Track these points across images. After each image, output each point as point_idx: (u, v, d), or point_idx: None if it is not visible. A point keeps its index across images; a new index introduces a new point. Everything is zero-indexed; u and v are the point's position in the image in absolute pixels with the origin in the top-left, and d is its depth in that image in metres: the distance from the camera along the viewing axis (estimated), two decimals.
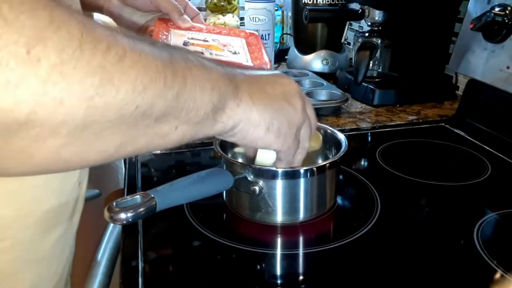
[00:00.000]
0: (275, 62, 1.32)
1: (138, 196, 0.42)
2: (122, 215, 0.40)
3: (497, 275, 0.48)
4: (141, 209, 0.41)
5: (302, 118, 0.47)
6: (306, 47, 1.27)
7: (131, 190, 0.66)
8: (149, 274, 0.48)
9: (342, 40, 1.21)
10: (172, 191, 0.44)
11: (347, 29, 1.24)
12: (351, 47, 1.36)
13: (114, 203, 0.41)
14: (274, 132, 0.43)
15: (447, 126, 0.88)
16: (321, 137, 0.63)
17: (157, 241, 0.54)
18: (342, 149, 0.57)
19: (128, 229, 0.55)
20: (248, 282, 0.48)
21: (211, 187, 0.48)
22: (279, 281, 0.49)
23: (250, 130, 0.42)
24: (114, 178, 0.92)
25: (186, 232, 0.55)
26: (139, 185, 0.67)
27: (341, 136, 0.60)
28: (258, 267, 0.50)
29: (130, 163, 0.74)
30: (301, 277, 0.50)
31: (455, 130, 0.86)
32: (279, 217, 0.55)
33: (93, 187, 0.94)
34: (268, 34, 1.18)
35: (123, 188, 0.69)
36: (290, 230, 0.56)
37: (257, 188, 0.53)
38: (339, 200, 0.62)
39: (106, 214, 0.40)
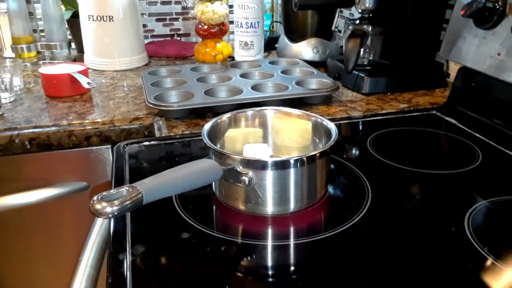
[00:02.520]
0: (265, 51, 1.30)
1: (124, 189, 0.41)
2: (108, 209, 0.39)
3: (488, 263, 0.48)
4: (127, 202, 0.40)
5: None
6: (296, 35, 1.26)
7: (119, 182, 0.65)
8: (137, 268, 0.47)
9: (333, 28, 1.20)
10: (159, 184, 0.43)
11: (338, 17, 1.22)
12: (341, 34, 1.34)
13: (99, 196, 0.39)
14: None
15: (438, 114, 0.88)
16: (310, 133, 0.62)
17: (146, 233, 0.53)
18: (332, 139, 0.56)
19: (115, 222, 0.54)
20: (239, 274, 0.48)
21: (199, 178, 0.47)
22: (270, 272, 0.48)
23: None
24: (101, 170, 0.91)
25: (175, 224, 0.54)
26: (127, 177, 0.66)
27: (331, 126, 0.59)
28: (249, 258, 0.49)
29: (118, 154, 0.73)
30: (292, 268, 0.49)
31: (446, 118, 0.86)
32: (269, 208, 0.55)
33: (80, 179, 0.93)
34: (258, 22, 1.16)
35: (111, 180, 0.67)
36: (280, 221, 0.55)
37: (246, 179, 0.52)
38: (330, 189, 0.61)
39: (91, 207, 0.39)
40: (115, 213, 0.39)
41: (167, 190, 0.44)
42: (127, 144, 0.76)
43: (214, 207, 0.58)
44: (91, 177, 0.92)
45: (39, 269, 0.97)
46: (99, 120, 0.88)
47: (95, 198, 0.39)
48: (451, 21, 0.87)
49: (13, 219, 0.92)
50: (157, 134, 0.83)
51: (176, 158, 0.73)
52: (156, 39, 1.50)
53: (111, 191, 0.41)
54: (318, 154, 0.54)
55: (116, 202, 0.40)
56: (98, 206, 0.39)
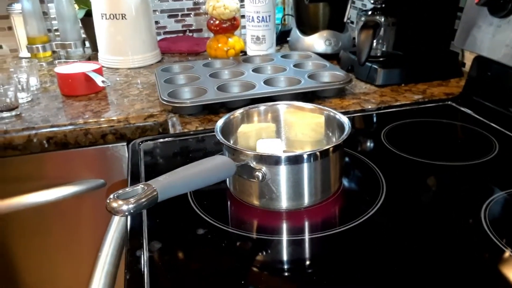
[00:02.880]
0: (277, 44, 1.30)
1: (139, 187, 0.42)
2: (124, 207, 0.40)
3: (506, 255, 0.47)
4: (143, 200, 0.41)
5: None
6: (308, 28, 1.25)
7: (135, 178, 0.66)
8: (155, 264, 0.48)
9: (345, 20, 1.19)
10: (173, 181, 0.44)
11: (350, 8, 1.21)
12: (354, 25, 1.33)
13: (115, 195, 0.40)
14: None
15: (454, 104, 0.87)
16: (323, 127, 0.62)
17: (162, 230, 0.54)
18: (345, 132, 0.56)
19: (132, 219, 0.55)
20: (254, 269, 0.48)
21: (213, 175, 0.48)
22: (285, 267, 0.49)
23: None
24: (118, 167, 0.92)
25: (190, 220, 0.55)
26: (142, 174, 0.67)
27: (344, 119, 0.59)
28: (264, 253, 0.50)
29: (133, 151, 0.74)
30: (307, 263, 0.49)
31: (462, 109, 0.85)
32: (283, 203, 0.55)
33: (97, 176, 0.94)
34: (269, 16, 1.16)
35: (127, 177, 0.68)
36: (295, 216, 0.55)
37: (260, 174, 0.53)
38: (344, 183, 0.61)
39: (108, 205, 0.40)
40: (131, 211, 0.40)
41: (181, 187, 0.44)
42: (142, 142, 0.76)
43: (228, 203, 0.59)
44: (107, 174, 0.94)
45: (58, 266, 0.99)
46: (114, 118, 0.89)
47: (111, 196, 0.40)
48: (465, 10, 0.85)
49: (32, 217, 0.94)
50: (171, 130, 0.84)
51: (190, 154, 0.74)
52: (168, 36, 1.51)
53: (127, 189, 0.41)
54: (331, 149, 0.54)
55: (131, 200, 0.40)
56: (114, 204, 0.39)
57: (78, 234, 0.97)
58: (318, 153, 0.53)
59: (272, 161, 0.53)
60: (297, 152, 0.60)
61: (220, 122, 0.59)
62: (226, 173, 0.50)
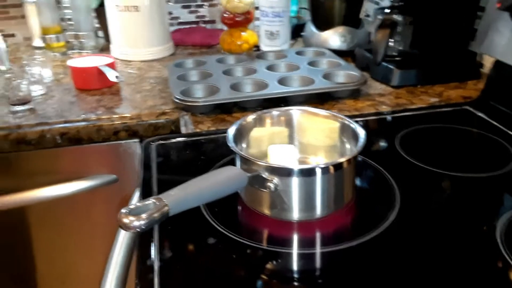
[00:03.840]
0: (291, 39, 1.28)
1: (150, 202, 0.42)
2: (135, 223, 0.40)
3: None
4: (154, 216, 0.41)
5: None
6: (323, 23, 1.23)
7: (147, 180, 0.66)
8: (165, 273, 0.48)
9: (361, 16, 1.17)
10: (185, 195, 0.44)
11: (366, 4, 1.19)
12: (370, 19, 1.30)
13: (126, 210, 0.40)
14: None
15: (471, 109, 0.85)
16: (337, 133, 0.61)
17: (173, 238, 0.54)
18: (360, 145, 0.55)
19: None
20: (263, 283, 0.48)
21: (224, 188, 0.47)
22: (295, 282, 0.49)
23: None
24: (130, 163, 0.92)
25: (201, 229, 0.55)
26: (154, 176, 0.67)
27: (360, 130, 0.58)
28: (274, 266, 0.50)
29: (146, 151, 0.74)
30: (318, 278, 0.49)
31: (479, 114, 0.83)
32: (295, 214, 0.54)
33: (110, 172, 0.94)
34: (284, 11, 1.14)
35: (140, 178, 0.68)
36: (307, 227, 0.55)
37: (272, 185, 0.52)
38: (357, 193, 0.60)
39: (119, 221, 0.40)
40: (143, 227, 0.40)
41: (192, 201, 0.44)
42: (154, 141, 0.76)
43: (240, 211, 0.59)
44: (120, 170, 0.94)
45: (71, 259, 1.01)
46: (127, 114, 0.89)
47: (122, 211, 0.40)
48: (485, 13, 0.83)
49: (46, 211, 0.95)
50: (183, 129, 0.84)
51: (202, 156, 0.74)
52: (181, 27, 1.50)
53: (138, 203, 0.41)
54: (345, 162, 0.54)
55: (143, 216, 0.40)
56: (125, 220, 0.39)
57: (91, 228, 0.98)
58: (331, 166, 0.53)
59: (284, 172, 0.52)
60: (310, 165, 0.59)
61: (232, 130, 0.59)
62: (238, 185, 0.50)
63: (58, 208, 0.95)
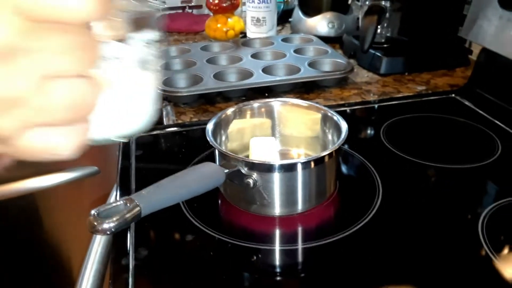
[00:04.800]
0: (278, 24, 1.25)
1: (121, 203, 0.40)
2: (105, 225, 0.38)
3: (498, 269, 0.46)
4: (125, 217, 0.39)
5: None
6: (311, 9, 1.21)
7: (125, 173, 0.64)
8: (140, 273, 0.47)
9: (349, 2, 1.14)
10: (158, 195, 0.42)
11: None
12: (359, 3, 1.28)
13: (95, 212, 0.38)
14: None
15: (457, 97, 0.84)
16: (319, 124, 0.59)
17: (149, 236, 0.52)
18: (341, 138, 0.54)
19: None
20: (243, 280, 0.47)
21: (200, 186, 0.46)
22: (277, 278, 0.48)
23: None
24: (111, 155, 0.90)
25: (179, 225, 0.53)
26: (133, 170, 0.65)
27: (342, 123, 0.56)
28: (254, 263, 0.49)
29: (125, 143, 0.72)
30: (300, 274, 0.48)
31: (465, 102, 0.82)
32: (276, 209, 0.53)
33: (91, 163, 0.92)
34: None
35: (116, 172, 0.67)
36: (288, 222, 0.54)
37: (251, 181, 0.51)
38: (339, 186, 0.59)
39: (87, 224, 0.38)
40: (112, 230, 0.38)
41: (166, 200, 0.43)
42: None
43: (220, 206, 0.57)
44: (101, 162, 0.92)
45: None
46: None
47: (91, 213, 0.38)
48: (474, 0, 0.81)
49: (29, 204, 0.93)
50: (165, 120, 0.82)
51: (183, 149, 0.72)
52: (167, 12, 1.47)
53: (107, 205, 0.40)
54: (326, 156, 0.52)
55: (113, 218, 0.38)
56: (94, 223, 0.38)
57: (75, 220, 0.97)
58: (312, 161, 0.51)
59: (264, 168, 0.51)
60: (290, 160, 0.58)
61: (210, 124, 0.57)
62: (215, 182, 0.48)
63: (39, 200, 0.93)
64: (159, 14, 0.26)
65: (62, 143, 0.22)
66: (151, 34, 0.26)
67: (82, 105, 0.21)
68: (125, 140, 0.41)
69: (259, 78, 0.86)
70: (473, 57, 0.99)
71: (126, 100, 0.27)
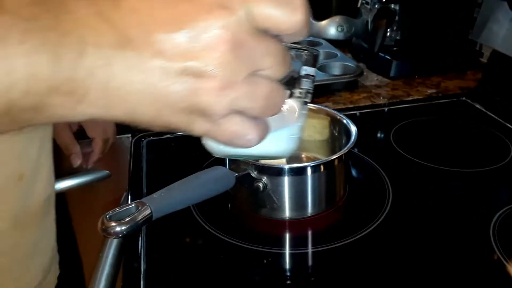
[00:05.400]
0: None
1: (132, 206, 0.40)
2: (117, 228, 0.38)
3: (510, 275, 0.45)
4: (136, 220, 0.40)
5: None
6: (319, 12, 1.21)
7: (136, 177, 0.65)
8: (151, 276, 0.47)
9: (358, 5, 1.14)
10: (169, 198, 0.42)
11: None
12: (369, 6, 1.28)
13: (108, 215, 0.39)
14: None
15: (468, 100, 0.83)
16: (328, 128, 0.59)
17: (160, 239, 0.53)
18: (351, 141, 0.54)
19: None
20: (253, 283, 0.47)
21: (210, 189, 0.46)
22: (287, 282, 0.48)
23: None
24: (123, 159, 0.91)
25: (190, 229, 0.54)
26: (144, 174, 0.66)
27: (352, 127, 0.57)
28: (263, 267, 0.49)
29: (136, 148, 0.73)
30: (310, 278, 0.48)
31: (476, 105, 0.81)
32: (285, 213, 0.53)
33: (102, 167, 0.93)
34: None
35: (128, 174, 0.67)
36: (298, 226, 0.54)
37: (261, 184, 0.51)
38: (349, 189, 0.59)
39: (99, 227, 0.39)
40: (124, 233, 0.39)
41: (177, 204, 0.43)
42: (145, 137, 0.75)
43: (230, 210, 0.58)
44: (112, 165, 0.93)
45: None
46: None
47: (103, 216, 0.39)
48: (484, 2, 0.81)
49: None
50: None
51: (193, 153, 0.72)
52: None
53: (119, 208, 0.40)
54: (336, 159, 0.52)
55: (124, 220, 0.39)
56: (106, 226, 0.38)
57: (88, 224, 0.97)
58: (321, 165, 0.51)
59: (274, 172, 0.51)
60: (300, 164, 0.58)
61: None
62: (225, 186, 0.48)
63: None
64: (316, 53, 0.30)
65: (253, 133, 0.25)
66: (310, 70, 0.30)
67: (274, 100, 0.25)
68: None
69: None
70: (484, 59, 0.98)
71: (285, 124, 0.31)
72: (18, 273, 0.48)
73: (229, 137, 0.25)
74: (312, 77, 0.31)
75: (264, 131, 0.26)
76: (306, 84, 0.31)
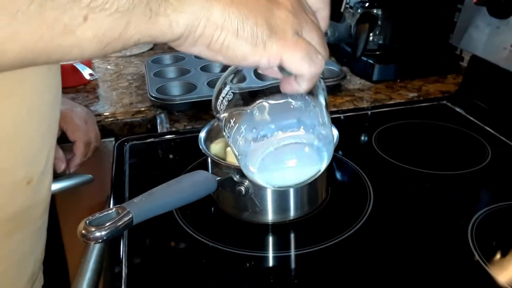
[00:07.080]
0: None
1: (113, 211, 0.40)
2: (96, 234, 0.38)
3: (488, 276, 0.46)
4: (117, 225, 0.40)
5: (293, 19, 0.33)
6: None
7: (119, 181, 0.64)
8: (133, 281, 0.47)
9: (342, 10, 1.15)
10: (150, 203, 0.42)
11: None
12: (352, 11, 1.29)
13: (87, 221, 0.39)
14: (247, 38, 0.31)
15: (449, 104, 0.85)
16: None
17: (142, 244, 0.53)
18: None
19: None
20: (235, 287, 0.47)
21: (192, 194, 0.46)
22: (271, 285, 0.48)
23: (215, 35, 0.30)
24: (106, 163, 0.90)
25: (173, 233, 0.54)
26: (126, 177, 0.66)
27: (334, 131, 0.57)
28: (247, 270, 0.49)
29: (119, 151, 0.72)
30: (293, 280, 0.48)
31: (457, 109, 0.82)
32: (268, 216, 0.54)
33: (85, 171, 0.92)
34: None
35: (111, 179, 0.67)
36: (280, 229, 0.54)
37: (243, 188, 0.51)
38: (331, 192, 0.59)
39: (79, 232, 0.38)
40: (104, 238, 0.39)
41: (158, 209, 0.43)
42: (128, 141, 0.75)
43: (213, 214, 0.58)
44: (96, 170, 0.92)
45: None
46: (101, 113, 0.87)
47: (82, 222, 0.39)
48: (463, 7, 0.82)
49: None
50: (159, 128, 0.82)
51: (176, 157, 0.72)
52: None
53: (99, 214, 0.40)
54: None
55: (105, 226, 0.39)
56: (86, 232, 0.38)
57: (71, 228, 0.96)
58: None
59: None
60: None
61: (203, 132, 0.57)
62: (207, 190, 0.49)
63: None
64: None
65: (323, 52, 0.34)
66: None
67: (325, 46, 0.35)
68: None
69: (251, 83, 0.87)
70: (464, 63, 1.00)
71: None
72: (9, 282, 0.47)
73: (305, 51, 0.32)
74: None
75: (327, 57, 0.34)
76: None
